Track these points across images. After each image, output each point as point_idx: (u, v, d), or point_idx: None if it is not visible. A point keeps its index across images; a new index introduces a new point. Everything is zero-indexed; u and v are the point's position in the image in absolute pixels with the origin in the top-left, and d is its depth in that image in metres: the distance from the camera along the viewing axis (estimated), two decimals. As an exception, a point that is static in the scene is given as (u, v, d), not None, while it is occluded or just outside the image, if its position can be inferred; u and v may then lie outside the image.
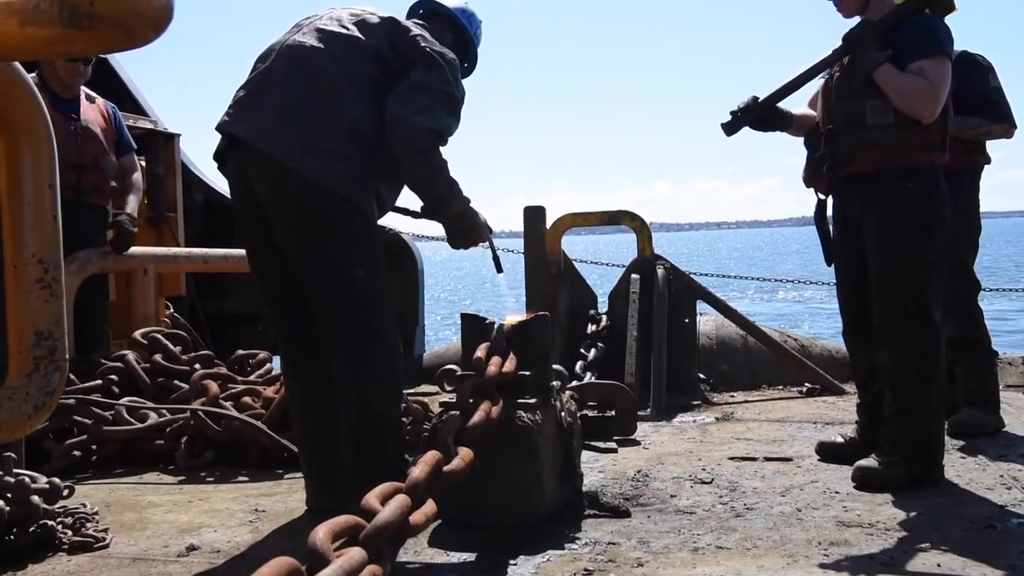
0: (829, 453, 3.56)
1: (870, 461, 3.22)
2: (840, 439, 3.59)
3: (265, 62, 2.89)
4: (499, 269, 3.37)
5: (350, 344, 2.81)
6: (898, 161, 3.22)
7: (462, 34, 3.19)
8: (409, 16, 3.17)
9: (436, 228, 3.13)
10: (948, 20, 4.24)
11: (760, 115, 3.44)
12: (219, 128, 2.91)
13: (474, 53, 3.27)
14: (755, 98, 3.43)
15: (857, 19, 3.33)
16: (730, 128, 3.46)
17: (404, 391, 3.91)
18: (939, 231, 3.24)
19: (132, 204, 4.81)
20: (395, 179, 2.95)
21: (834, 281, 3.68)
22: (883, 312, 3.28)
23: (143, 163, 6.19)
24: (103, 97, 4.98)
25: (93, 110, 4.72)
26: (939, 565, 2.33)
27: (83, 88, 4.72)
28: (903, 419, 3.20)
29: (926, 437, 3.19)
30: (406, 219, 3.28)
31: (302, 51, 2.83)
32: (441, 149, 2.83)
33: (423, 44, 2.85)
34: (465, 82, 3.08)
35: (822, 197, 3.54)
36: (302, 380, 3.04)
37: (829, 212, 3.56)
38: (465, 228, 3.00)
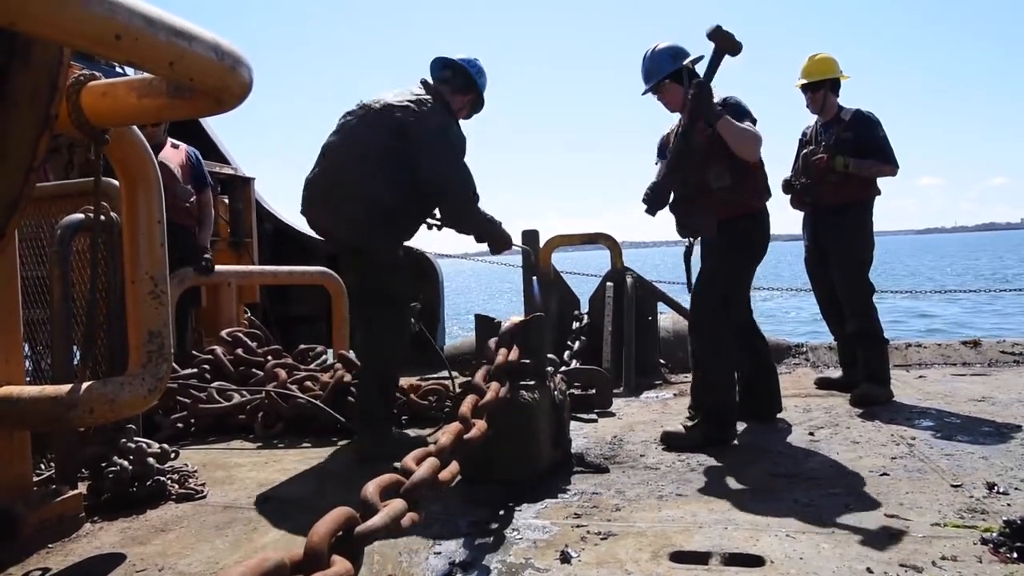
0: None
1: (677, 427, 3.25)
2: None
3: (322, 157, 3.15)
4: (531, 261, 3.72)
5: (375, 315, 3.16)
6: (738, 211, 3.27)
7: (472, 82, 3.29)
8: (433, 67, 3.30)
9: (454, 246, 3.37)
10: (846, 85, 4.30)
11: (661, 199, 3.42)
12: (303, 212, 3.20)
13: (481, 95, 3.36)
14: (654, 184, 3.42)
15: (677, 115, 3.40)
16: (650, 212, 3.45)
17: (430, 376, 3.93)
18: (750, 255, 3.33)
19: (205, 236, 4.74)
20: (412, 219, 3.21)
21: (776, 288, 3.75)
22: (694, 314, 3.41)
23: (226, 200, 6.23)
24: (195, 148, 4.98)
25: (175, 153, 4.69)
26: (847, 505, 2.35)
27: (171, 139, 4.72)
28: (700, 392, 3.28)
29: (716, 405, 3.21)
30: (428, 235, 3.60)
31: (338, 154, 3.09)
32: (478, 205, 3.17)
33: (423, 135, 2.99)
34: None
35: (691, 242, 3.51)
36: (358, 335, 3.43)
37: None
38: (498, 243, 3.32)
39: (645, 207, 3.43)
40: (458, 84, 3.26)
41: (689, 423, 3.23)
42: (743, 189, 3.25)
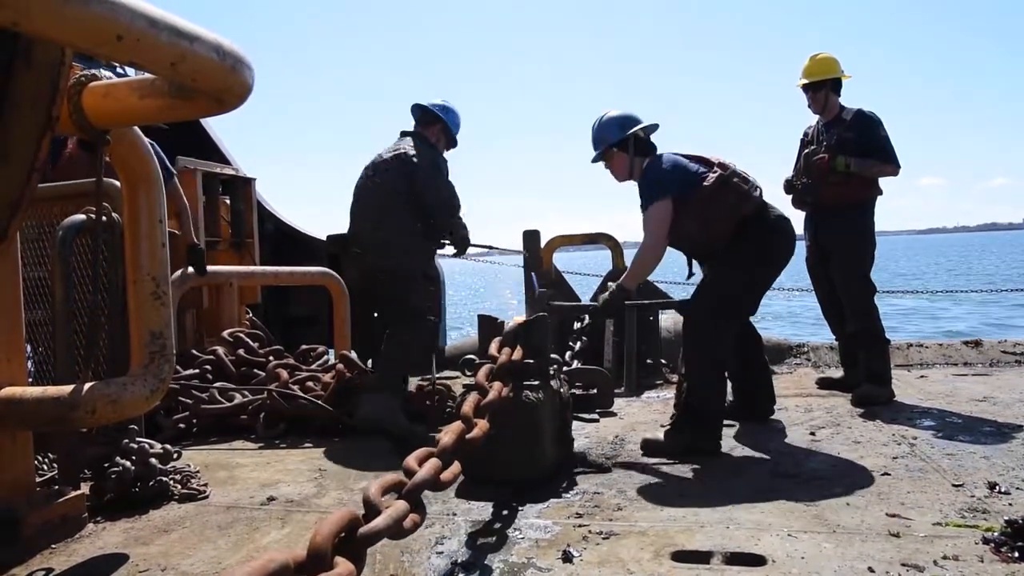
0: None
1: (657, 434, 3.15)
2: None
3: (353, 221, 3.80)
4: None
5: (401, 325, 3.65)
6: (727, 237, 3.18)
7: (434, 115, 3.86)
8: (412, 112, 3.94)
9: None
10: (848, 85, 4.29)
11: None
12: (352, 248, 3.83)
13: (453, 133, 3.92)
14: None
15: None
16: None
17: (430, 376, 3.93)
18: (756, 272, 3.25)
19: (187, 229, 4.50)
20: (431, 241, 3.82)
21: (781, 288, 3.74)
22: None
23: (227, 201, 6.22)
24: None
25: None
26: (848, 504, 2.35)
27: None
28: (687, 398, 3.13)
29: (703, 415, 3.09)
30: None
31: (363, 211, 3.74)
32: (460, 215, 3.85)
33: (420, 172, 3.65)
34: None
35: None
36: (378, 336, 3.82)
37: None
38: (464, 245, 3.98)
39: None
40: (427, 119, 3.90)
41: (670, 429, 3.13)
42: (713, 226, 3.16)
